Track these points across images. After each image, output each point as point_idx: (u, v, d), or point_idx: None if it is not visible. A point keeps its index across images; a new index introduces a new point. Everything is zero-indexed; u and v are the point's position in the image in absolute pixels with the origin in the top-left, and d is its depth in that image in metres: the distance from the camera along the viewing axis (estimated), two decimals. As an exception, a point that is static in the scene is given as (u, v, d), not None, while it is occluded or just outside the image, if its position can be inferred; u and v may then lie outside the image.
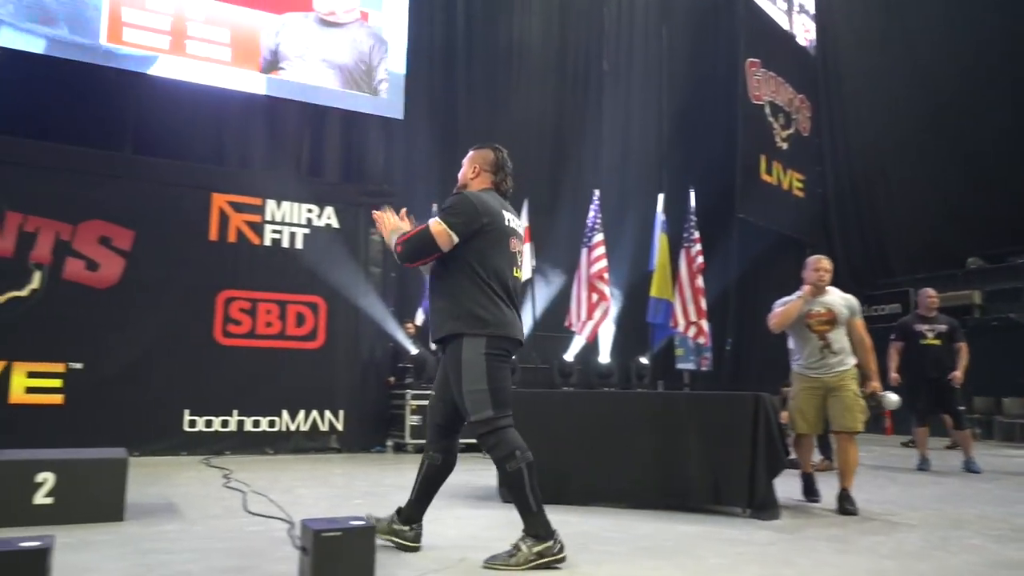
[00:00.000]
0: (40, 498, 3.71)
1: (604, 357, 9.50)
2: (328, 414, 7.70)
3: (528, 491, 2.98)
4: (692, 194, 9.04)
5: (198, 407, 7.21)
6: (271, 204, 7.79)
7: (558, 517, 3.18)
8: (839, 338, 4.67)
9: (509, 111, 10.33)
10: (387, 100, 8.62)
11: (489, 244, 3.10)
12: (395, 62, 8.69)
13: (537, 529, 2.97)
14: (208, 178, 7.70)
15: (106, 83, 7.46)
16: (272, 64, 8.06)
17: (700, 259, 9.08)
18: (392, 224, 3.26)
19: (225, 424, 7.28)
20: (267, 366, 7.52)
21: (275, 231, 7.78)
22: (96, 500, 3.81)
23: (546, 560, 2.93)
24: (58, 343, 6.76)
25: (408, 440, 7.72)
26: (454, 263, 3.10)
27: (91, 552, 3.10)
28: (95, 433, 6.17)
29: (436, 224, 3.06)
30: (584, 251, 8.46)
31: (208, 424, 7.22)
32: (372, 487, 5.35)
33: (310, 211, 7.95)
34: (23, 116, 7.17)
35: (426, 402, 7.71)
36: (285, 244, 7.80)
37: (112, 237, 7.09)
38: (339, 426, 7.73)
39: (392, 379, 8.29)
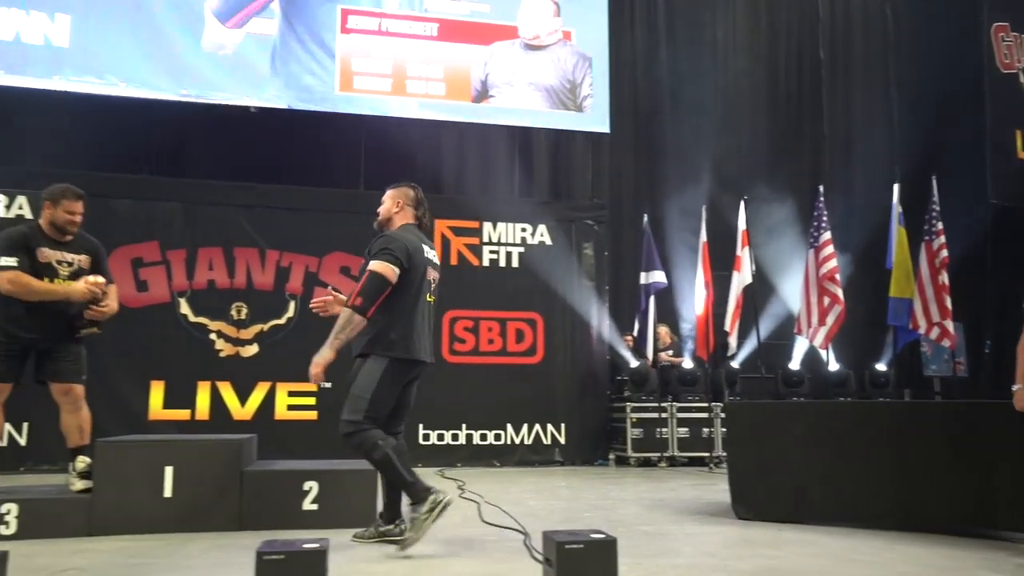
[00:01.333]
0: (307, 504, 4.14)
1: (833, 364, 8.82)
2: (551, 427, 7.87)
3: (400, 468, 3.44)
4: (934, 181, 8.12)
5: (431, 421, 7.68)
6: (487, 226, 8.15)
7: (797, 536, 2.98)
8: None
9: (716, 112, 10.00)
10: (592, 115, 8.72)
11: (406, 281, 3.51)
12: (598, 77, 8.76)
13: (419, 495, 3.39)
14: (431, 205, 8.20)
15: (340, 128, 8.26)
16: (483, 93, 8.47)
17: (944, 253, 8.14)
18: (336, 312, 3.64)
19: (455, 437, 7.69)
20: (491, 382, 7.84)
21: (492, 252, 8.13)
22: (353, 507, 4.17)
23: (438, 511, 3.35)
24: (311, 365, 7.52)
25: (630, 453, 7.66)
26: None
27: (353, 554, 3.39)
28: (344, 446, 6.77)
29: (380, 266, 3.45)
30: (810, 252, 7.91)
31: (440, 438, 7.67)
32: (599, 500, 5.37)
33: (524, 230, 8.22)
34: (275, 167, 8.13)
35: (648, 415, 7.70)
36: (502, 264, 8.12)
37: (351, 267, 7.78)
38: (561, 439, 7.87)
39: (610, 392, 8.30)
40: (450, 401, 7.68)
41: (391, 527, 3.60)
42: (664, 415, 7.73)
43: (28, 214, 7.12)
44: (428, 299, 3.67)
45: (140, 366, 7.13)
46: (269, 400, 7.40)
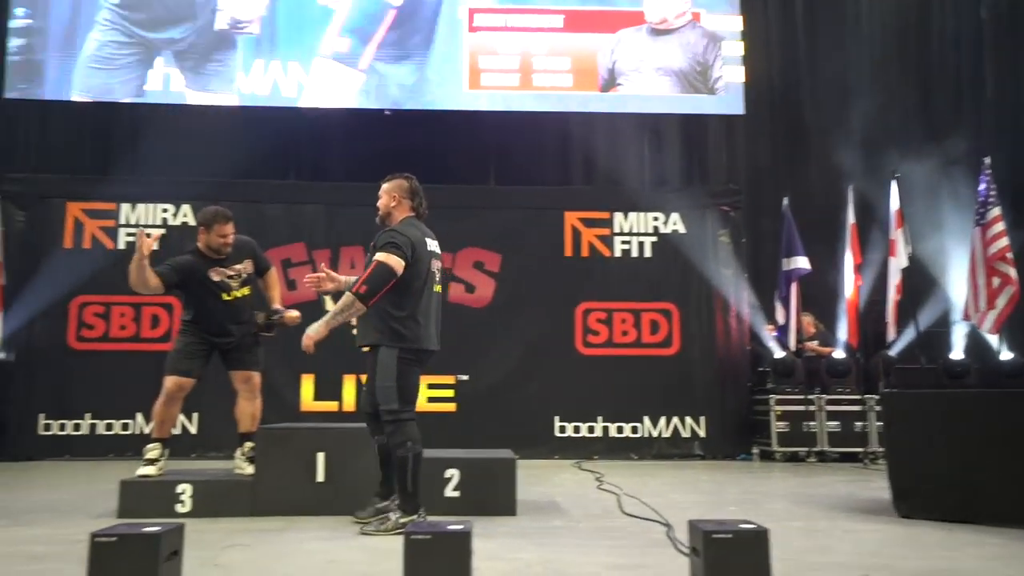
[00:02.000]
0: (449, 491, 4.23)
1: (1005, 352, 8.02)
2: (689, 420, 7.65)
3: (409, 475, 3.57)
4: None
5: (566, 414, 7.67)
6: (618, 216, 8.03)
7: (970, 536, 2.72)
8: None
9: (861, 87, 9.35)
10: (726, 98, 8.40)
11: (413, 274, 3.63)
12: (731, 58, 8.42)
13: (406, 506, 3.57)
14: (560, 198, 8.23)
15: (469, 125, 8.41)
16: (610, 82, 8.36)
17: None
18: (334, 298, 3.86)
19: (591, 430, 7.64)
20: (626, 373, 7.73)
21: (624, 242, 8.00)
22: (493, 495, 4.22)
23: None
24: (449, 358, 7.69)
25: (776, 448, 7.31)
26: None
27: (496, 540, 3.43)
28: (481, 437, 6.91)
29: (387, 258, 3.56)
30: (977, 230, 7.20)
31: (576, 430, 7.64)
32: (744, 494, 5.16)
33: (656, 219, 8.04)
34: (409, 166, 8.34)
35: (794, 408, 7.33)
36: (634, 254, 7.98)
37: (484, 261, 7.92)
38: (701, 432, 7.64)
39: (751, 384, 7.96)
40: (585, 393, 7.64)
41: (387, 503, 3.78)
42: (812, 408, 7.33)
43: (192, 221, 7.73)
44: (435, 289, 3.79)
45: (292, 361, 7.53)
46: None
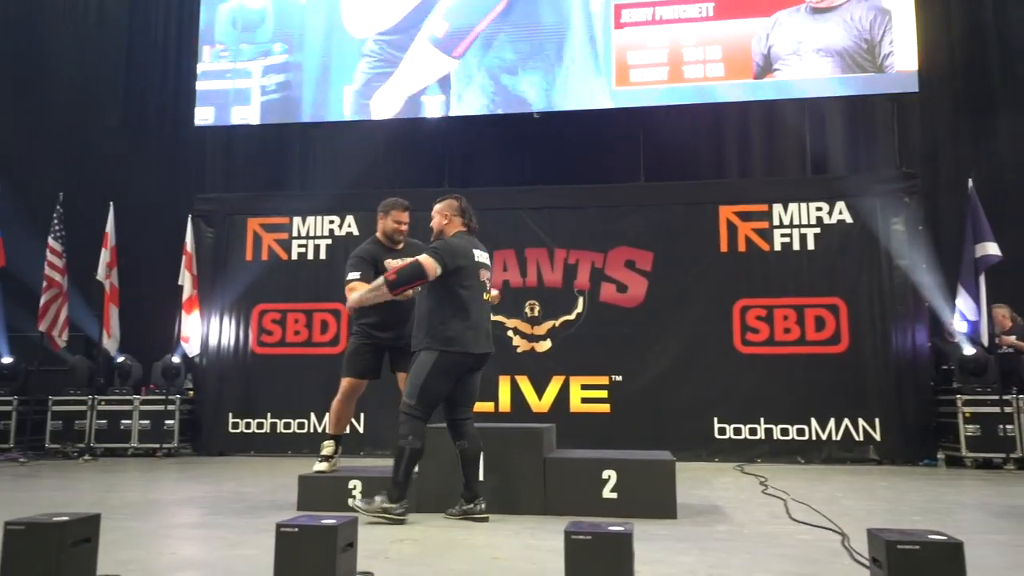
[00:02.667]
0: (607, 492, 4.19)
1: None
2: (862, 422, 7.14)
3: (401, 466, 3.86)
4: None
5: (726, 415, 7.39)
6: (777, 208, 7.65)
7: None
8: None
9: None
10: (896, 75, 7.75)
11: (460, 281, 3.91)
12: (902, 32, 7.76)
13: (392, 493, 3.85)
14: (714, 192, 7.96)
15: (618, 123, 8.32)
16: (765, 68, 7.97)
17: None
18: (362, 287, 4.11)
19: (753, 432, 7.32)
20: (789, 373, 7.35)
21: (784, 235, 7.61)
22: (651, 498, 4.14)
23: (388, 517, 3.83)
24: (601, 358, 7.68)
25: (965, 453, 6.66)
26: (435, 290, 3.92)
27: (657, 544, 3.35)
28: (637, 438, 6.81)
29: (425, 259, 3.87)
30: None
31: (737, 432, 7.35)
32: (930, 503, 4.74)
33: (819, 209, 7.58)
34: (558, 167, 8.45)
35: (986, 409, 6.65)
36: (796, 247, 7.57)
37: (635, 260, 7.81)
38: (876, 435, 7.10)
39: (933, 383, 7.31)
40: (745, 394, 7.34)
41: (472, 506, 3.96)
42: (1008, 409, 6.62)
43: (356, 231, 8.20)
44: (485, 298, 4.06)
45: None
46: (564, 393, 7.68)
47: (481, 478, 4.26)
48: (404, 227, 4.59)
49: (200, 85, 9.01)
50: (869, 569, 2.31)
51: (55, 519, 2.38)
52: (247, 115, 8.88)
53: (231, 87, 8.93)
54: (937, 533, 2.17)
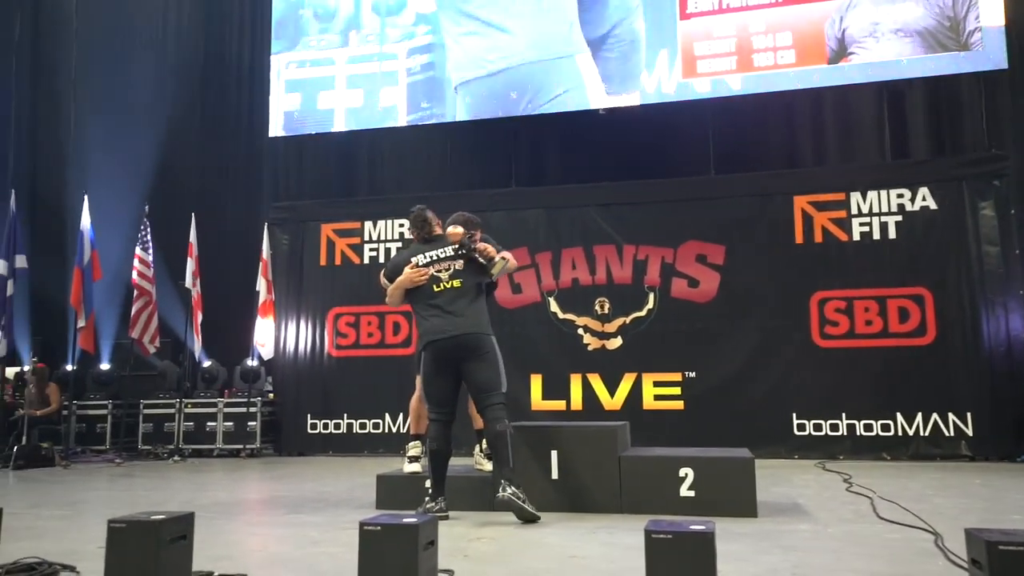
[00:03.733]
0: (684, 490, 4.13)
1: None
2: (953, 417, 6.83)
3: (433, 469, 4.11)
4: None
5: (805, 410, 7.19)
6: (855, 196, 7.39)
7: None
8: None
9: None
10: (983, 52, 7.36)
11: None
12: (989, 5, 7.38)
13: (434, 494, 4.07)
14: (787, 182, 7.74)
15: (686, 115, 8.18)
16: (840, 52, 7.70)
17: None
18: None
19: (835, 428, 7.10)
20: (871, 367, 7.09)
21: (863, 224, 7.35)
22: (730, 496, 4.06)
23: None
24: (674, 354, 7.57)
25: (1067, 449, 6.31)
26: (484, 289, 4.34)
27: (738, 543, 3.28)
28: (711, 435, 6.69)
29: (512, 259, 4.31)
30: None
31: (817, 428, 7.14)
32: (1031, 502, 4.50)
33: (900, 196, 7.29)
34: (625, 163, 8.36)
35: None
36: (876, 236, 7.30)
37: (707, 254, 7.66)
38: (968, 431, 6.78)
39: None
40: (825, 388, 7.13)
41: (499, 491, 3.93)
42: (1112, 402, 6.23)
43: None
44: (435, 289, 4.18)
45: (520, 361, 7.80)
46: (636, 390, 7.60)
47: (556, 476, 4.27)
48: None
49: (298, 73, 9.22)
50: (968, 571, 2.21)
51: (153, 517, 2.49)
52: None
53: (377, 70, 8.96)
54: (1041, 533, 2.05)
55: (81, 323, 7.70)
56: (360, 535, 2.41)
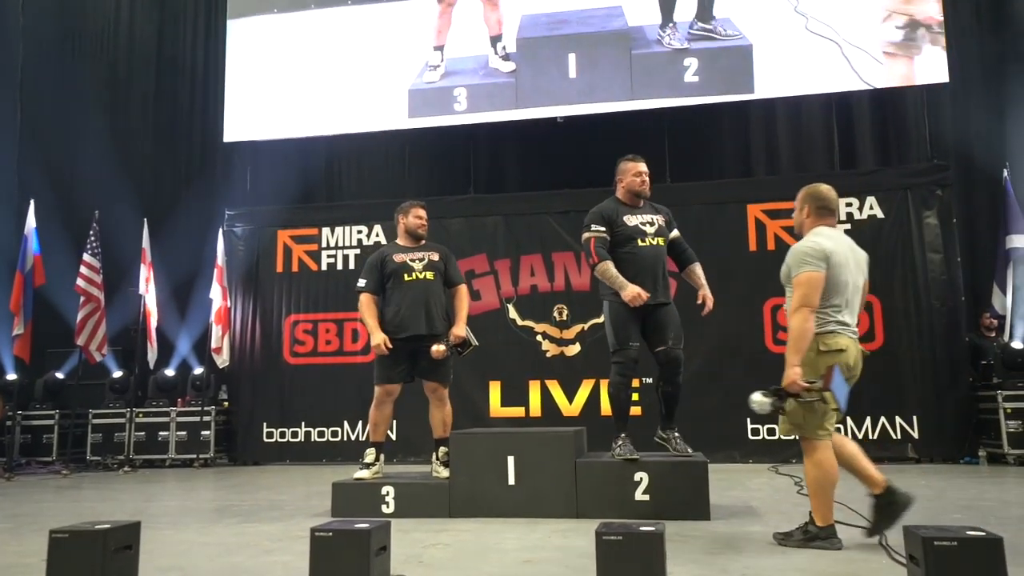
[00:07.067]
0: (639, 495, 4.17)
1: None
2: (899, 420, 7.02)
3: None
4: None
5: (758, 415, 7.26)
6: (806, 205, 7.56)
7: None
8: None
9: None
10: (926, 66, 7.62)
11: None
12: (931, 19, 7.62)
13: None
14: (741, 190, 7.88)
15: (641, 124, 8.28)
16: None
17: None
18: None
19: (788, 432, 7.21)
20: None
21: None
22: (684, 499, 4.11)
23: None
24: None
25: (1007, 450, 6.50)
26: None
27: (691, 545, 3.34)
28: (669, 440, 6.76)
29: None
30: None
31: (771, 432, 7.27)
32: (971, 501, 4.65)
33: (849, 205, 7.48)
34: (583, 171, 8.41)
35: (1026, 404, 6.50)
36: (826, 244, 7.46)
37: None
38: (914, 434, 6.98)
39: (972, 379, 7.15)
40: (779, 394, 7.24)
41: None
42: (1050, 404, 6.47)
43: (384, 240, 8.26)
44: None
45: (480, 368, 7.82)
46: (595, 397, 7.65)
47: (512, 481, 4.28)
48: (424, 220, 4.76)
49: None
50: (907, 567, 2.28)
51: (97, 527, 2.43)
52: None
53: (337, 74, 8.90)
54: (976, 529, 2.13)
55: (19, 330, 7.44)
56: (311, 541, 2.39)
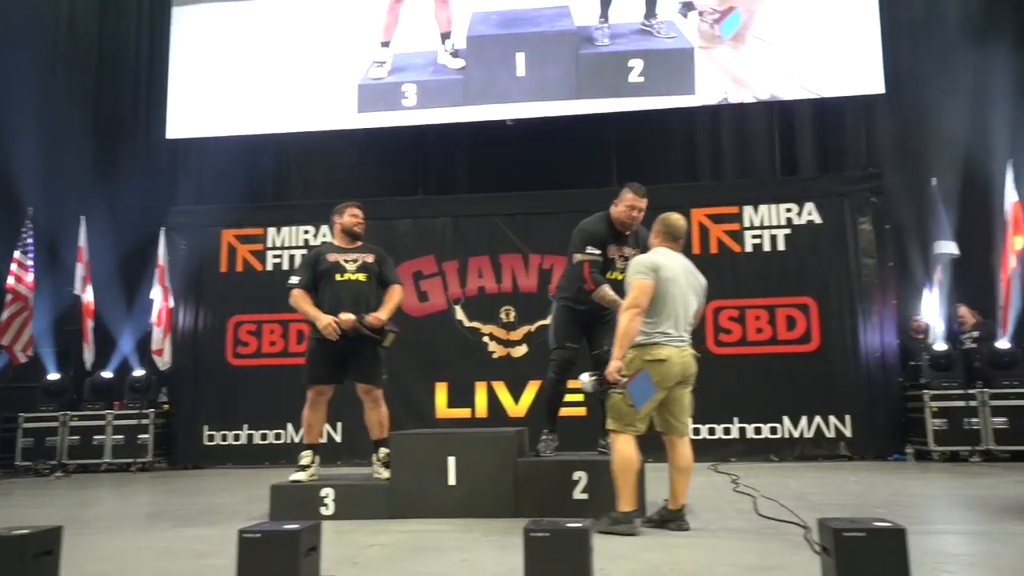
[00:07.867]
0: (578, 493, 4.23)
1: None
2: (834, 420, 7.25)
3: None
4: None
5: (701, 415, 7.38)
6: (748, 210, 7.76)
7: None
8: None
9: (1009, 52, 8.47)
10: (863, 76, 7.89)
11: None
12: (868, 32, 7.90)
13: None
14: (686, 195, 8.02)
15: (589, 128, 8.39)
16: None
17: None
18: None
19: (728, 431, 7.40)
20: (762, 373, 7.44)
21: (755, 236, 7.72)
22: (622, 498, 4.17)
23: None
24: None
25: (932, 447, 6.78)
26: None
27: (624, 542, 3.40)
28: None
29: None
30: None
31: (711, 432, 7.43)
32: (894, 495, 4.83)
33: (789, 210, 7.70)
34: (532, 174, 8.48)
35: (952, 404, 6.76)
36: (767, 248, 7.68)
37: (609, 264, 7.85)
38: (847, 432, 7.21)
39: (902, 379, 7.42)
40: (719, 394, 7.36)
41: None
42: (973, 403, 6.75)
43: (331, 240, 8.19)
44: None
45: (426, 369, 7.83)
46: (541, 398, 7.69)
47: (453, 482, 4.30)
48: (361, 219, 4.74)
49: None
50: (821, 558, 2.37)
51: (15, 532, 2.37)
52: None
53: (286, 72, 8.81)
54: (883, 520, 2.23)
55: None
56: (239, 542, 2.38)
